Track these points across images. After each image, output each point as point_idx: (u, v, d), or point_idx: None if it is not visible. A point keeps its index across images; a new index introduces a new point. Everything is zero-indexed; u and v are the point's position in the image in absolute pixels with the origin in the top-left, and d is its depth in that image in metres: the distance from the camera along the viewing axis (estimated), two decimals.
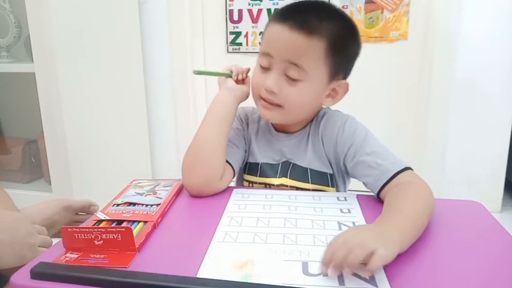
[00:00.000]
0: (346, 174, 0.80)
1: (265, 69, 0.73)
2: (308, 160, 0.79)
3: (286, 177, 0.79)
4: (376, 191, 0.70)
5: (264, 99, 0.74)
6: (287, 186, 0.79)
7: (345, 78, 0.76)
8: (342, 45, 0.72)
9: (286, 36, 0.69)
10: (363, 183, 0.73)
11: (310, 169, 0.78)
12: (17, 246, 0.61)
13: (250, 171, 0.83)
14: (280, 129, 0.82)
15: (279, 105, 0.73)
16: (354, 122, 0.77)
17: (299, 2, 0.74)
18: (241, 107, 0.84)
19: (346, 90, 0.77)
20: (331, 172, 0.79)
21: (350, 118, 0.77)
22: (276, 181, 0.79)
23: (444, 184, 1.77)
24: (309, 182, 0.78)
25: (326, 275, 0.47)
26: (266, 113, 0.76)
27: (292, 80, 0.71)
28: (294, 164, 0.79)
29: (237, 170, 0.79)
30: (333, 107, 0.81)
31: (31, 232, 0.64)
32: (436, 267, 0.50)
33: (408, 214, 0.58)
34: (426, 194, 0.64)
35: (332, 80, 0.73)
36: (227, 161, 0.77)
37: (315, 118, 0.80)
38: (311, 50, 0.69)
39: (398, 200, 0.64)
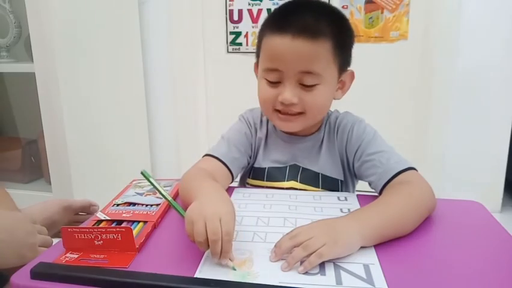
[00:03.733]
0: (355, 177, 0.79)
1: (274, 82, 0.71)
2: (321, 165, 0.78)
3: (296, 181, 0.78)
4: (378, 190, 0.70)
5: (280, 112, 0.73)
6: (297, 190, 0.78)
7: (348, 67, 0.76)
8: (344, 38, 0.71)
9: (291, 46, 0.67)
10: (368, 183, 0.73)
11: (322, 174, 0.78)
12: (17, 246, 0.61)
13: (255, 176, 0.82)
14: (291, 133, 0.80)
15: (300, 113, 0.72)
16: (363, 123, 0.77)
17: (284, 5, 0.73)
18: (249, 109, 0.84)
19: (352, 78, 0.76)
20: (342, 179, 0.79)
21: (358, 120, 0.77)
22: (285, 184, 0.78)
23: (445, 184, 1.76)
24: (319, 187, 0.78)
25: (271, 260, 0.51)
26: (286, 124, 0.74)
27: (308, 87, 0.69)
28: (304, 168, 0.79)
29: (235, 176, 0.78)
30: (335, 106, 0.81)
31: (31, 232, 0.64)
32: (435, 266, 0.50)
33: (384, 211, 0.58)
34: (420, 194, 0.63)
35: (340, 74, 0.74)
36: (227, 167, 0.75)
37: (328, 122, 0.80)
38: (320, 53, 0.68)
39: (384, 197, 0.65)
